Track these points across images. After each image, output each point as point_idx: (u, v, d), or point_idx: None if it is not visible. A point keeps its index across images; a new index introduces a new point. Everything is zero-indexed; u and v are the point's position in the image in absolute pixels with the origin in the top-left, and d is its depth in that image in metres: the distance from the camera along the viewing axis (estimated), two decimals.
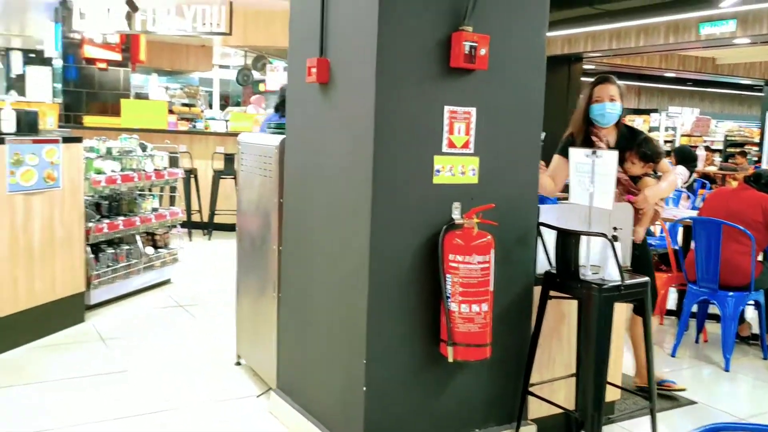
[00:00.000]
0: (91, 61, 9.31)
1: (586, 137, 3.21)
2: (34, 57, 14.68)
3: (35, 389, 3.27)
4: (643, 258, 3.14)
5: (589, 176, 2.48)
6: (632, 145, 3.17)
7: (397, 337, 2.42)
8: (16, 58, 14.77)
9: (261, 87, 13.17)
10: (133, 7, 7.82)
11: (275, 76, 9.33)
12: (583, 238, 2.44)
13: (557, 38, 12.09)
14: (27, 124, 4.04)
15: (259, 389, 3.32)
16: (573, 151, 2.60)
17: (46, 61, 13.22)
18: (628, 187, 3.20)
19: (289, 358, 2.98)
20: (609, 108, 3.14)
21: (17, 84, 14.64)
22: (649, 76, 17.22)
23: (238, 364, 3.65)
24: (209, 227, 7.46)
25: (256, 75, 12.63)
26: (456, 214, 2.43)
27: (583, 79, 13.31)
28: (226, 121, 8.79)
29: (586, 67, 14.13)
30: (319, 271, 2.69)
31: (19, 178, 3.70)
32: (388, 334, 2.40)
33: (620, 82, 3.22)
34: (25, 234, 3.76)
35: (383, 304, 2.38)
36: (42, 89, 13.59)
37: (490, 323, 2.38)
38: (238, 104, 18.76)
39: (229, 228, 7.71)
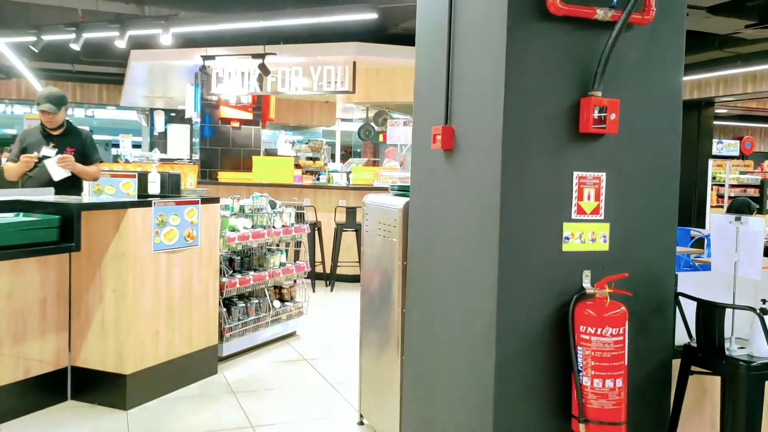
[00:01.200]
0: (225, 120, 9.97)
1: None
2: (175, 116, 15.95)
3: None
4: None
5: (733, 243, 2.33)
6: None
7: (525, 410, 2.34)
8: (159, 118, 16.09)
9: (380, 138, 13.51)
10: (266, 71, 8.33)
11: (395, 130, 9.57)
12: (728, 310, 2.28)
13: (686, 83, 11.61)
14: (171, 185, 4.36)
15: None
16: (715, 217, 2.45)
17: (186, 121, 14.31)
18: None
19: (413, 423, 2.96)
20: None
21: (159, 141, 15.91)
22: None
23: (361, 423, 3.67)
24: (332, 278, 7.65)
25: (377, 128, 12.98)
26: (587, 283, 2.35)
27: (715, 123, 12.64)
28: (348, 173, 9.07)
29: (717, 111, 13.43)
30: (444, 338, 2.67)
31: (163, 238, 3.98)
32: (515, 407, 2.32)
33: None
34: (167, 290, 4.02)
35: (511, 374, 2.31)
36: (181, 146, 14.69)
37: (625, 400, 2.25)
38: (358, 155, 19.32)
39: (351, 279, 7.89)
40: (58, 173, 4.59)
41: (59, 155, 4.58)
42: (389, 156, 10.10)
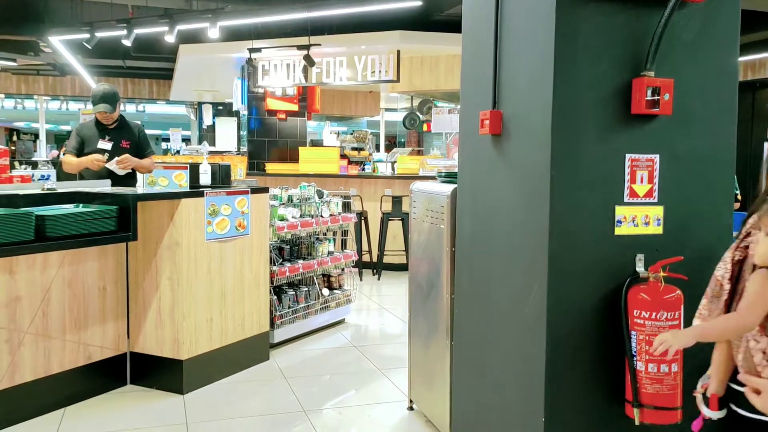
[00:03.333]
0: (272, 112, 10.09)
1: None
2: (222, 110, 16.21)
3: (226, 425, 3.53)
4: None
5: None
6: None
7: (577, 394, 2.33)
8: (207, 111, 16.37)
9: (424, 128, 13.48)
10: (311, 62, 8.40)
11: (440, 119, 9.52)
12: None
13: (740, 64, 11.23)
14: (221, 176, 4.45)
15: None
16: None
17: (233, 113, 14.54)
18: None
19: (463, 409, 2.97)
20: None
21: (208, 134, 16.20)
22: None
23: (411, 408, 3.70)
24: (378, 267, 7.70)
25: (421, 117, 12.95)
26: (640, 267, 2.31)
27: None
28: (393, 163, 9.08)
29: None
30: (494, 323, 2.68)
31: (215, 227, 4.07)
32: (567, 392, 2.32)
33: None
34: (220, 278, 4.12)
35: (562, 359, 2.30)
36: (229, 139, 14.94)
37: (681, 384, 2.22)
38: (402, 145, 19.31)
39: (397, 268, 7.93)
40: (120, 171, 4.77)
41: (116, 159, 4.72)
42: (455, 143, 10.04)
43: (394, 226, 7.78)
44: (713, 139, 2.41)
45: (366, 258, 7.80)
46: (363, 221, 7.69)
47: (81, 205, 3.76)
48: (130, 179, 4.78)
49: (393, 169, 8.90)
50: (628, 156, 2.32)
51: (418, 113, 12.67)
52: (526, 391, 2.41)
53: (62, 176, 5.07)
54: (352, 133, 13.75)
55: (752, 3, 7.59)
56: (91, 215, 3.54)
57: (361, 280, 7.45)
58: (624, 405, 2.28)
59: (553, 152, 2.26)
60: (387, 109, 16.45)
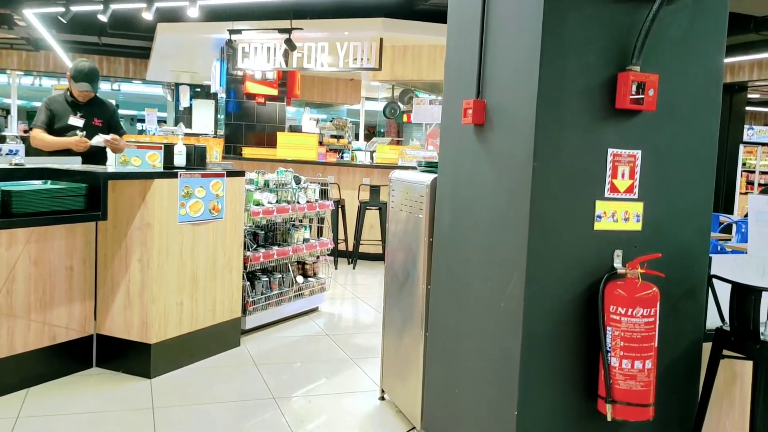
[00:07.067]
0: (251, 96, 9.96)
1: None
2: (200, 92, 15.99)
3: (193, 410, 3.47)
4: None
5: None
6: None
7: (550, 389, 2.31)
8: (185, 93, 16.13)
9: (405, 118, 13.44)
10: (292, 46, 8.29)
11: (420, 110, 9.47)
12: (765, 294, 2.22)
13: None
14: (196, 158, 4.36)
15: (403, 427, 3.31)
16: (753, 198, 2.38)
17: (211, 96, 14.33)
18: None
19: (435, 401, 2.95)
20: None
21: (184, 116, 15.97)
22: None
23: (382, 398, 3.67)
24: (354, 256, 7.65)
25: (402, 107, 12.90)
26: (618, 263, 2.30)
27: (747, 108, 12.37)
28: (371, 152, 9.03)
29: (751, 96, 13.14)
30: (469, 315, 2.65)
31: (189, 210, 3.98)
32: (541, 386, 2.30)
33: None
34: (192, 262, 4.04)
35: (537, 353, 2.28)
36: (206, 121, 14.74)
37: (654, 382, 2.21)
38: (382, 135, 19.26)
39: (373, 257, 7.90)
40: (98, 142, 4.57)
41: (105, 137, 4.54)
42: (432, 137, 9.97)
43: (372, 216, 7.74)
44: (696, 136, 2.40)
45: (342, 247, 7.75)
46: (340, 209, 7.63)
47: (50, 181, 3.65)
48: (100, 158, 4.65)
49: (372, 158, 8.85)
50: (610, 151, 2.30)
51: (399, 103, 12.62)
52: (500, 385, 2.39)
53: (31, 152, 4.93)
54: (331, 121, 13.66)
55: (733, 5, 7.64)
56: (60, 192, 3.44)
57: (336, 268, 7.40)
58: (597, 400, 2.27)
59: (536, 144, 2.23)
60: (368, 98, 16.38)
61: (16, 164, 3.95)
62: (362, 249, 7.75)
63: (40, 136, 4.67)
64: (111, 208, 3.79)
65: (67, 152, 4.62)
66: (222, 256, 4.28)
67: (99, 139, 4.55)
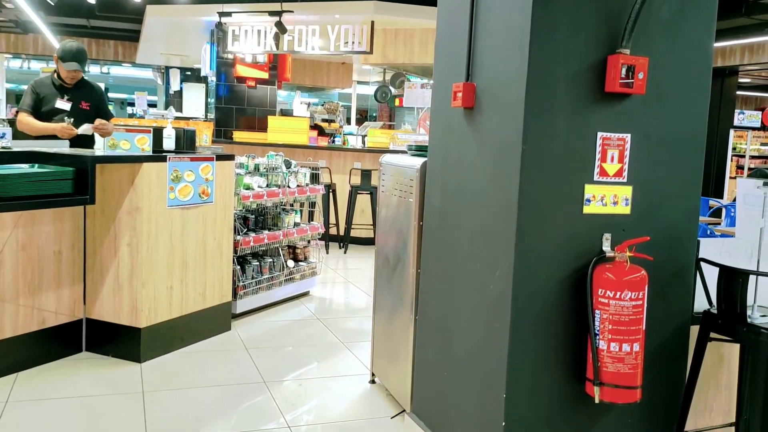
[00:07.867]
0: (241, 79, 9.88)
1: None
2: (190, 75, 15.87)
3: (183, 395, 3.47)
4: None
5: (760, 209, 2.27)
6: None
7: (539, 372, 2.32)
8: (175, 76, 16.00)
9: (396, 102, 13.39)
10: (282, 29, 8.22)
11: (412, 93, 9.43)
12: (752, 278, 2.23)
13: None
14: (186, 141, 4.33)
15: (392, 410, 3.33)
16: (741, 181, 2.38)
17: (201, 79, 14.22)
18: None
19: (424, 384, 2.96)
20: None
21: (175, 99, 15.87)
22: None
23: (372, 382, 3.68)
24: (345, 241, 7.65)
25: (393, 91, 12.85)
26: (606, 247, 2.30)
27: (739, 93, 12.39)
28: (363, 136, 8.99)
29: (741, 80, 13.16)
30: (459, 298, 2.65)
31: (178, 194, 3.96)
32: (529, 369, 2.31)
33: None
34: (181, 246, 4.02)
35: (526, 335, 2.29)
36: (197, 105, 14.64)
37: (642, 364, 2.23)
38: (374, 119, 19.18)
39: (364, 242, 7.90)
40: (85, 130, 4.55)
41: (91, 125, 4.51)
42: (424, 120, 9.94)
43: (363, 200, 7.73)
44: (685, 120, 2.40)
45: (333, 231, 7.74)
46: (331, 194, 7.61)
47: (37, 165, 3.61)
48: (88, 141, 4.61)
49: (363, 142, 8.82)
50: (600, 134, 2.30)
51: (390, 87, 12.55)
52: (489, 367, 2.40)
53: (19, 136, 4.88)
54: (323, 105, 13.58)
55: None
56: (47, 176, 3.41)
57: (327, 252, 7.39)
58: (585, 383, 2.29)
59: (525, 127, 2.22)
60: (359, 82, 16.27)
61: (2, 148, 3.91)
62: (353, 233, 7.75)
63: (26, 120, 4.62)
64: (99, 192, 3.76)
65: (53, 137, 4.57)
66: (212, 240, 4.26)
67: (86, 127, 4.52)
